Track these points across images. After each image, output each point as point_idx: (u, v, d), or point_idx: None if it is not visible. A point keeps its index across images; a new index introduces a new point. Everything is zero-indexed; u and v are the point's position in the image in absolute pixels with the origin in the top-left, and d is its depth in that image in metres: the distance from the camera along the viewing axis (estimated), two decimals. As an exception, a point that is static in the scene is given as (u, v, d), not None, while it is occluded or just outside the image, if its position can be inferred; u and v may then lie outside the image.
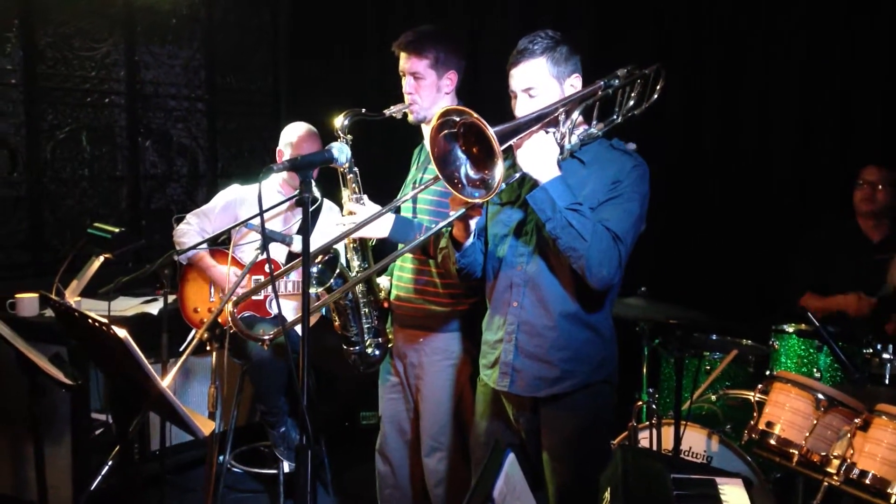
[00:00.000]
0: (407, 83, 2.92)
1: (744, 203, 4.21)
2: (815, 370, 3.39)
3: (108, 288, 3.16)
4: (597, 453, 2.47)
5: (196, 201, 5.00)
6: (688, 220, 4.28)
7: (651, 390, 3.47)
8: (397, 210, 3.00)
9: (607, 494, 2.13)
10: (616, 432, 3.35)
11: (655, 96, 2.55)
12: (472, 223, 2.40)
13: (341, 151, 2.06)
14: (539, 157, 2.29)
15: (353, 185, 2.90)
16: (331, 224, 3.89)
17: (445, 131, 2.19)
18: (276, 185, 3.84)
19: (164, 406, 2.13)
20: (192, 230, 3.76)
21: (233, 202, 3.81)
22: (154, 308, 3.96)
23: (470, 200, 2.20)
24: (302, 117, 3.77)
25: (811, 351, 3.44)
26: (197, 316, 3.82)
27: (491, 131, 2.08)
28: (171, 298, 3.85)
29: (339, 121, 2.87)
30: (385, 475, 3.19)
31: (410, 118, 2.92)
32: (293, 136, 3.71)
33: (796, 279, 3.85)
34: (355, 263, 3.00)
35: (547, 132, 2.35)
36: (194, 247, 3.48)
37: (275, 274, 2.02)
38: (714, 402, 3.60)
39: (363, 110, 2.90)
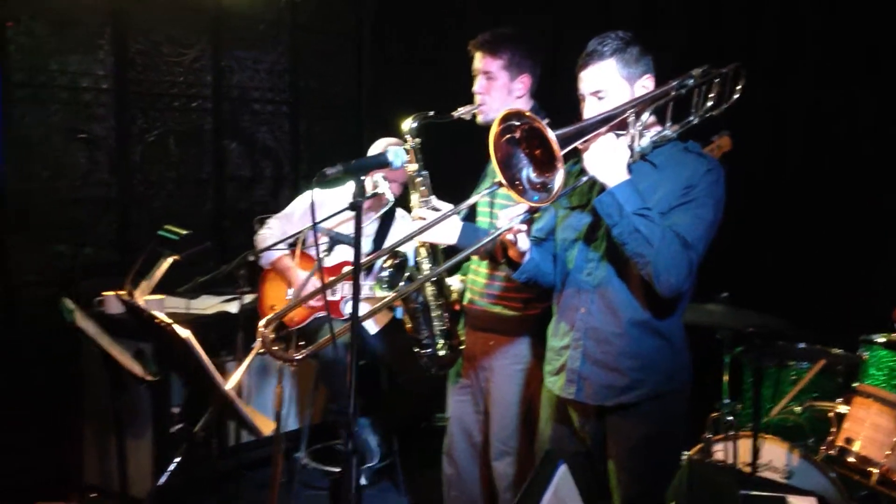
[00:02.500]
0: (478, 83, 2.91)
1: (832, 207, 4.01)
2: (907, 384, 3.20)
3: (187, 287, 3.25)
4: (664, 465, 2.40)
5: (279, 202, 5.09)
6: (772, 223, 4.11)
7: (731, 401, 3.36)
8: (468, 217, 2.98)
9: (671, 508, 2.07)
10: (691, 444, 3.25)
11: (736, 97, 2.46)
12: (522, 240, 2.36)
13: (396, 155, 2.06)
14: (607, 160, 2.24)
15: (423, 188, 2.89)
16: (403, 233, 3.92)
17: (507, 136, 2.16)
18: (351, 191, 3.88)
19: (226, 405, 2.17)
20: (274, 235, 3.84)
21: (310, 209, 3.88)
22: (234, 307, 4.05)
23: (531, 204, 2.17)
24: (383, 120, 3.81)
25: (903, 364, 3.25)
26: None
27: (551, 134, 2.04)
28: (249, 298, 3.96)
29: (407, 124, 2.87)
30: (451, 478, 3.18)
31: (479, 119, 2.90)
32: (377, 151, 3.78)
33: (887, 288, 3.65)
34: (425, 267, 2.99)
35: (617, 135, 2.29)
36: (269, 248, 3.55)
37: (325, 284, 2.00)
38: (799, 415, 3.45)
39: (431, 113, 2.89)
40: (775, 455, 3.14)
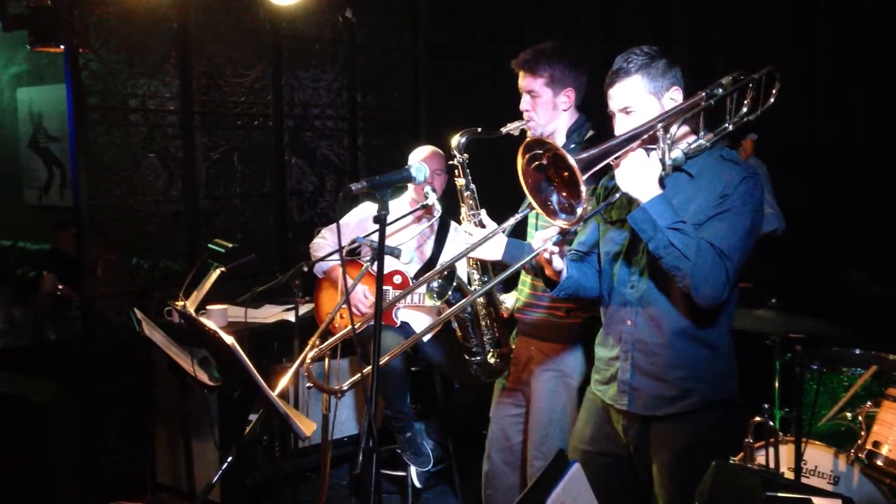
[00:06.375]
0: (524, 101, 2.98)
1: (882, 209, 3.94)
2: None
3: (245, 297, 3.42)
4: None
5: (340, 214, 5.27)
6: (822, 226, 4.06)
7: (780, 407, 3.35)
8: (517, 232, 3.07)
9: (696, 509, 2.11)
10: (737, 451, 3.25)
11: (772, 100, 2.46)
12: (556, 261, 2.42)
13: (419, 171, 2.17)
14: (637, 176, 2.27)
15: (471, 202, 3.00)
16: (456, 243, 4.04)
17: (535, 163, 2.23)
18: (405, 203, 4.04)
19: (270, 408, 2.31)
20: (326, 244, 4.03)
21: (365, 218, 4.06)
22: (293, 315, 4.22)
23: (562, 225, 2.23)
24: (440, 134, 3.92)
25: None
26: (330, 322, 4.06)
27: (572, 161, 2.10)
28: (307, 307, 4.13)
29: (455, 140, 2.97)
30: (488, 476, 3.28)
31: (528, 135, 2.98)
32: (416, 159, 3.92)
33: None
34: (476, 277, 3.10)
35: (648, 150, 2.33)
36: (322, 259, 3.71)
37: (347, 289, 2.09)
38: (851, 421, 3.42)
39: (479, 129, 2.98)
40: (822, 461, 3.12)
